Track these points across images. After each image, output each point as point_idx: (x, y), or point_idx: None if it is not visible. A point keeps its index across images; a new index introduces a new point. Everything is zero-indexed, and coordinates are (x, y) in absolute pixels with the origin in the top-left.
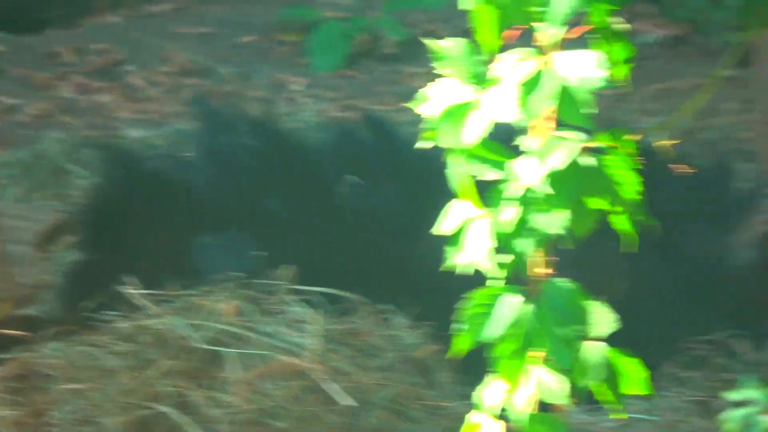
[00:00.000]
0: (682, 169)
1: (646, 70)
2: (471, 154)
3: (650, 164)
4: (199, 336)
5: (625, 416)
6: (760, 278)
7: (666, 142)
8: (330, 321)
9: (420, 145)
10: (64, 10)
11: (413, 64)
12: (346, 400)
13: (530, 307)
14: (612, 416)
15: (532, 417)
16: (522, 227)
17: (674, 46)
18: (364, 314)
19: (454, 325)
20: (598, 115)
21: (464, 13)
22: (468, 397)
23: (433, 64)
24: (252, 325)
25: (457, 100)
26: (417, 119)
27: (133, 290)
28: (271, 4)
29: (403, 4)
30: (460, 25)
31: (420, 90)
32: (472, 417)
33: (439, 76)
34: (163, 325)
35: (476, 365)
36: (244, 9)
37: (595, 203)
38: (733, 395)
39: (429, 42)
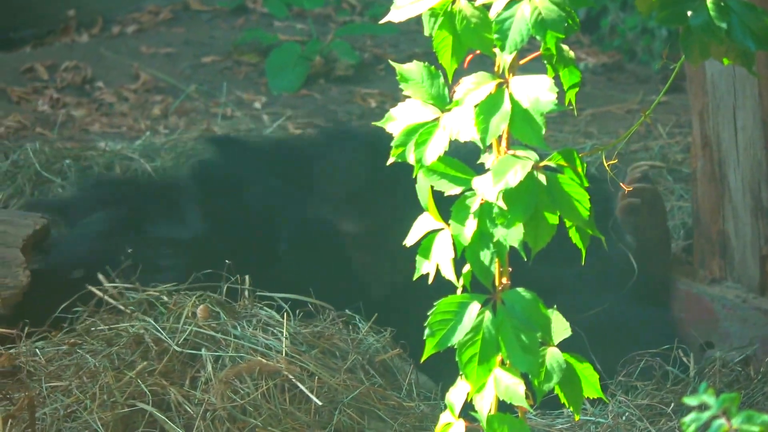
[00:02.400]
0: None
1: (580, 95)
2: (434, 171)
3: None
4: (174, 338)
5: (577, 417)
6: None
7: (608, 162)
8: (295, 325)
9: (391, 161)
10: (35, 29)
11: (365, 85)
12: (315, 400)
13: (490, 315)
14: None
15: (492, 417)
16: (481, 240)
17: (605, 73)
18: (327, 319)
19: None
20: (545, 136)
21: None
22: (429, 398)
23: (400, 86)
24: (222, 328)
25: (419, 119)
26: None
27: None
28: (231, 27)
29: (354, 30)
30: (406, 50)
31: (372, 109)
32: (442, 417)
33: (389, 96)
34: (139, 328)
35: (437, 368)
36: (205, 31)
37: (550, 218)
38: (690, 400)
39: (395, 65)
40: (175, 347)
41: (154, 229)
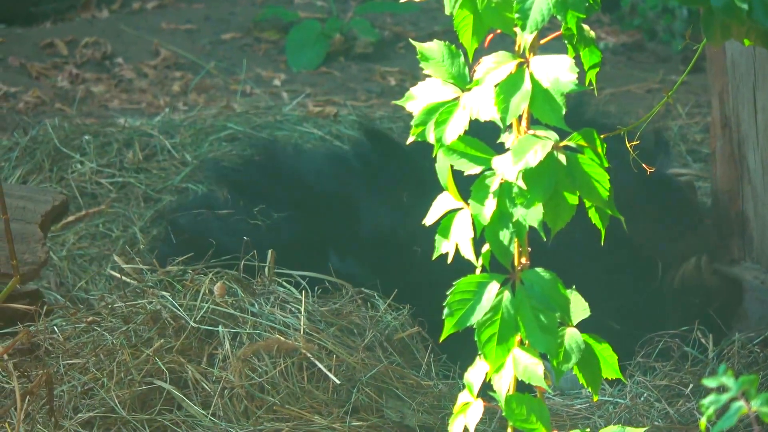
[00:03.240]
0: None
1: (600, 75)
2: (454, 150)
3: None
4: (191, 315)
5: (595, 398)
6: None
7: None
8: (313, 303)
9: (410, 140)
10: (55, 5)
11: (384, 63)
12: (334, 378)
13: (509, 295)
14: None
15: (511, 397)
16: (500, 219)
17: (625, 52)
18: (346, 297)
19: (436, 310)
20: (566, 115)
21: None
22: (447, 377)
23: (420, 65)
24: (240, 305)
25: (439, 98)
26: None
27: (124, 270)
28: (251, 4)
29: (374, 8)
30: (426, 28)
31: (392, 87)
32: (461, 396)
33: (409, 74)
34: (156, 305)
35: (455, 348)
36: (225, 7)
37: (570, 198)
38: (709, 382)
39: (416, 44)
40: (192, 324)
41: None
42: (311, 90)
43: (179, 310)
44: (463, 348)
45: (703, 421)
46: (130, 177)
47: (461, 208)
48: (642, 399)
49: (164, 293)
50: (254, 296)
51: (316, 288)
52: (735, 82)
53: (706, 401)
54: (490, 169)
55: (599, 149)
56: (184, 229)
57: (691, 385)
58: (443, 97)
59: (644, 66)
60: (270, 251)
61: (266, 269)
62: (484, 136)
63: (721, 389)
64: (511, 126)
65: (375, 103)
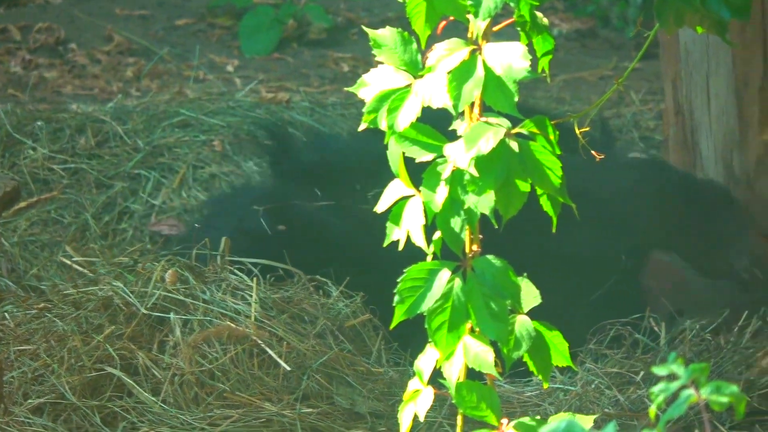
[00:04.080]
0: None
1: (553, 62)
2: (406, 137)
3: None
4: (142, 302)
5: (546, 386)
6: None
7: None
8: (265, 290)
9: (362, 127)
10: None
11: (338, 49)
12: (284, 365)
13: (460, 282)
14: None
15: (461, 385)
16: (452, 207)
17: (579, 39)
18: (297, 284)
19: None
20: (518, 103)
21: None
22: (398, 363)
23: (373, 51)
24: (192, 292)
25: (391, 85)
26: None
27: (73, 258)
28: None
29: None
30: (379, 14)
31: (345, 74)
32: (411, 384)
33: (362, 61)
34: (107, 292)
35: (406, 334)
36: None
37: (522, 186)
38: (659, 370)
39: (368, 30)
40: (143, 310)
41: None
42: (264, 76)
43: (130, 297)
44: (414, 335)
45: (652, 409)
46: (83, 163)
47: (413, 196)
48: (593, 386)
49: (115, 282)
50: (206, 283)
51: (268, 276)
52: (688, 69)
53: (655, 389)
54: (442, 156)
55: (551, 136)
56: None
57: (641, 373)
58: (395, 84)
59: (598, 53)
60: (224, 239)
61: (218, 257)
62: (437, 124)
63: (672, 377)
64: (463, 113)
65: (328, 89)
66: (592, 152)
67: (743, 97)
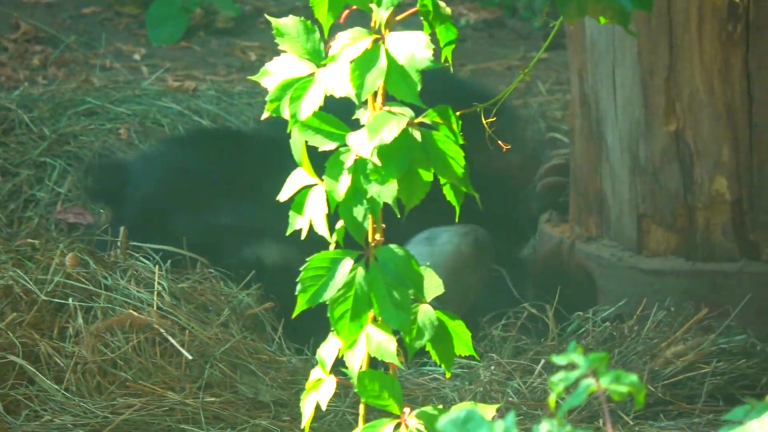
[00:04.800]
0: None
1: (461, 51)
2: (308, 126)
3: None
4: (42, 288)
5: (448, 375)
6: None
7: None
8: (168, 278)
9: (265, 115)
10: None
11: (245, 38)
12: (186, 354)
13: (362, 271)
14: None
15: (363, 374)
16: (354, 196)
17: (486, 29)
18: (200, 272)
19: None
20: (422, 92)
21: None
22: (300, 352)
23: (276, 40)
24: (93, 279)
25: (294, 74)
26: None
27: None
28: None
29: None
30: (287, 3)
31: (252, 62)
32: (313, 372)
33: (269, 50)
34: (8, 279)
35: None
36: None
37: (424, 175)
38: (559, 359)
39: (271, 19)
40: (43, 297)
41: None
42: (171, 65)
43: (29, 283)
44: (316, 324)
45: (552, 399)
46: None
47: (315, 184)
48: (496, 376)
49: (14, 269)
50: (107, 269)
51: (169, 261)
52: (594, 60)
53: (555, 378)
54: (345, 145)
55: (454, 126)
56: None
57: (543, 361)
58: (298, 72)
59: (505, 43)
60: (122, 228)
61: (119, 244)
62: (340, 113)
63: (572, 366)
64: (366, 102)
65: (235, 78)
66: (499, 142)
67: (649, 87)
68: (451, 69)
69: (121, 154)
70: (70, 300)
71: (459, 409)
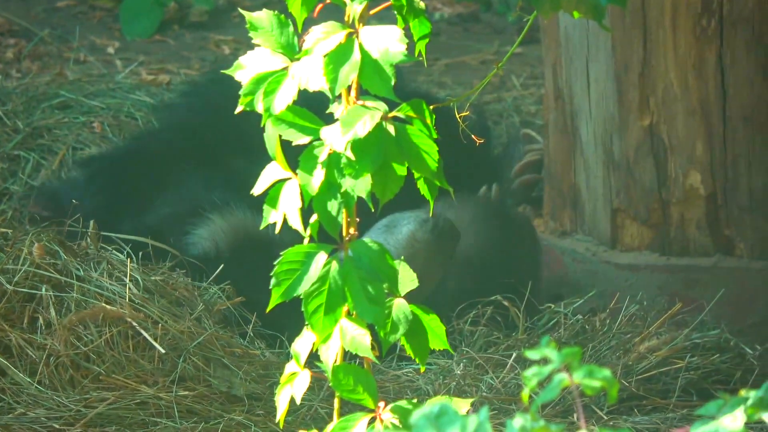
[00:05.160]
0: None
1: (435, 46)
2: (282, 120)
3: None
4: (10, 279)
5: (422, 369)
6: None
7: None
8: (141, 271)
9: (239, 109)
10: None
11: (219, 31)
12: (159, 348)
13: (337, 265)
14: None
15: (338, 368)
16: (328, 190)
17: (461, 23)
18: (172, 265)
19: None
20: (398, 86)
21: None
22: (273, 345)
23: (250, 34)
24: (64, 269)
25: (268, 68)
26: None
27: None
28: None
29: None
30: None
31: (226, 56)
32: (288, 366)
33: (243, 43)
34: None
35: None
36: None
37: (398, 170)
38: (532, 354)
39: (244, 13)
40: (9, 287)
41: None
42: (145, 58)
43: None
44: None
45: (525, 393)
46: None
47: (289, 178)
48: (466, 368)
49: None
50: (77, 259)
51: (140, 253)
52: (568, 54)
53: (528, 373)
54: (319, 139)
55: (428, 120)
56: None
57: (514, 355)
58: (272, 66)
59: (480, 37)
60: (92, 221)
61: (88, 237)
62: (314, 107)
63: (545, 361)
64: (340, 96)
65: (208, 71)
66: (473, 136)
67: (623, 82)
68: (425, 63)
69: (95, 148)
70: (43, 289)
71: (432, 404)
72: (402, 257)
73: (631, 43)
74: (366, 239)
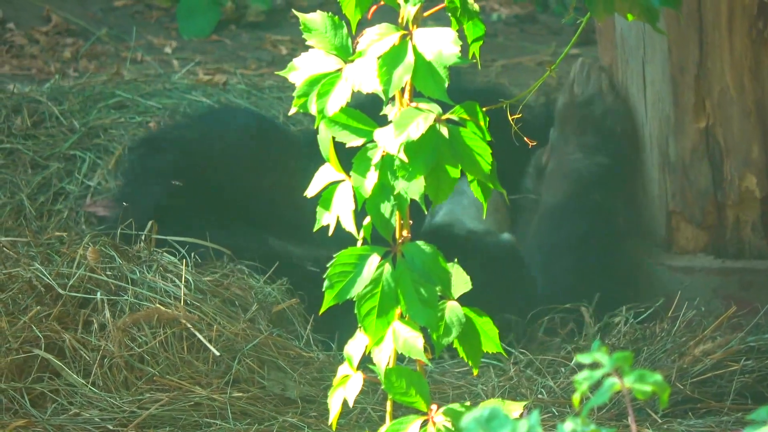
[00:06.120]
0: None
1: (492, 47)
2: (336, 122)
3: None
4: (66, 283)
5: (476, 372)
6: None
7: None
8: (195, 272)
9: (292, 111)
10: None
11: (276, 31)
12: (213, 350)
13: (390, 268)
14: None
15: (390, 370)
16: (382, 192)
17: (518, 24)
18: (227, 266)
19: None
20: (452, 88)
21: None
22: (327, 347)
23: (304, 36)
24: (119, 273)
25: (321, 70)
26: (279, 83)
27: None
28: None
29: None
30: None
31: (283, 56)
32: (341, 369)
33: (300, 43)
34: (33, 273)
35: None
36: None
37: (451, 172)
38: (583, 358)
39: (298, 14)
40: (61, 291)
41: None
42: (201, 58)
43: (48, 278)
44: (344, 320)
45: (576, 397)
46: (18, 143)
47: (343, 180)
48: (525, 373)
49: (35, 263)
50: (133, 263)
51: (192, 254)
52: (624, 56)
53: (579, 377)
54: (372, 141)
55: (481, 122)
56: None
57: (573, 360)
58: (326, 68)
59: (536, 38)
60: (151, 222)
61: (145, 238)
62: (368, 109)
63: (597, 365)
64: (393, 98)
65: (265, 72)
66: (525, 138)
67: (679, 83)
68: (479, 65)
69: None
70: (98, 294)
71: (484, 407)
72: None
73: (687, 45)
74: (419, 242)
